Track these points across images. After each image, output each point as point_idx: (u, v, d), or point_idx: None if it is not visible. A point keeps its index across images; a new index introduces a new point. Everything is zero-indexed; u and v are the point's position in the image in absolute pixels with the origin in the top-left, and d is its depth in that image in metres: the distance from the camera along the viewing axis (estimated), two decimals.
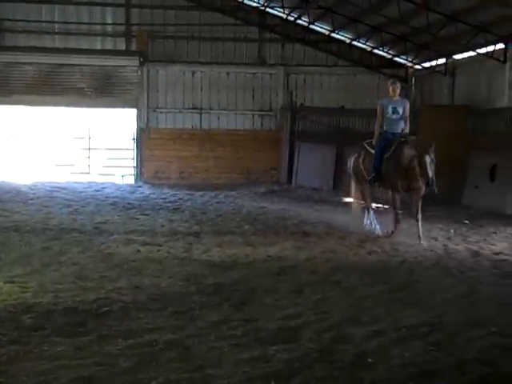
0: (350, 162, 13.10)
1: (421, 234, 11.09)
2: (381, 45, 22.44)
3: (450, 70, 20.67)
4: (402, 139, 11.61)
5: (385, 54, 23.38)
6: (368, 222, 12.47)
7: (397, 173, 11.36)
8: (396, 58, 23.49)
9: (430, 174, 10.86)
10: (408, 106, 11.97)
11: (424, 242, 10.95)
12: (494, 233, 12.32)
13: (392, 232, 11.61)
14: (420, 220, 11.19)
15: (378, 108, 12.04)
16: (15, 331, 6.00)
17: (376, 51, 23.31)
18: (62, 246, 10.27)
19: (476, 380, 5.03)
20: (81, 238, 11.07)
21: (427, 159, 10.87)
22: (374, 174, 11.83)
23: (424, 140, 11.57)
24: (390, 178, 11.59)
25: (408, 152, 11.21)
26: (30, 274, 8.28)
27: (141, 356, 5.42)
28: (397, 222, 11.63)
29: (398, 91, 11.96)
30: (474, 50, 18.62)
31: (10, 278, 7.98)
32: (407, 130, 11.89)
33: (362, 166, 12.49)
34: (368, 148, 12.29)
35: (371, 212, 12.61)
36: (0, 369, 5.13)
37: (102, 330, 6.09)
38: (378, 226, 12.22)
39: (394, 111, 11.79)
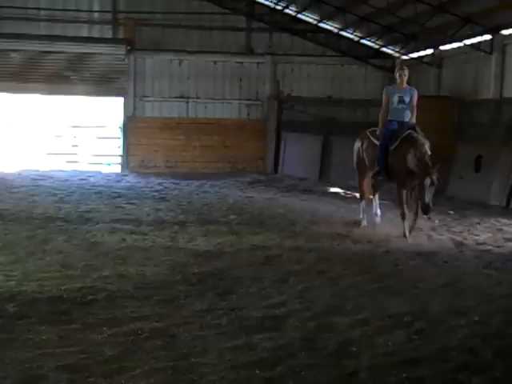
0: (354, 148, 12.24)
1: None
2: (368, 35, 22.47)
3: (437, 60, 20.73)
4: (409, 131, 10.62)
5: (372, 45, 23.41)
6: (373, 213, 11.65)
7: (403, 166, 10.42)
8: (383, 49, 23.53)
9: (427, 199, 9.79)
10: (416, 95, 11.03)
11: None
12: (478, 223, 12.42)
13: (405, 236, 10.46)
14: (418, 218, 10.63)
15: (383, 96, 11.20)
16: None
17: (364, 41, 23.33)
18: (47, 235, 10.23)
19: (458, 368, 5.09)
20: (66, 227, 11.04)
21: (426, 182, 9.80)
22: (378, 168, 11.07)
23: (426, 153, 10.15)
24: (394, 171, 10.78)
25: (412, 155, 10.24)
26: (14, 263, 8.25)
27: (126, 344, 5.43)
28: (404, 219, 10.53)
29: (405, 79, 11.04)
30: (460, 41, 18.69)
31: None
32: (414, 121, 10.99)
33: (364, 156, 11.78)
34: (371, 138, 11.50)
35: (374, 205, 11.78)
36: None
37: (87, 318, 6.09)
38: (378, 219, 11.59)
39: (400, 100, 10.95)
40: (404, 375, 4.93)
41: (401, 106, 10.96)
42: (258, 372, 4.94)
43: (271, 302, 6.77)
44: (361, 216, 11.83)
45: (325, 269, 8.39)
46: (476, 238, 10.95)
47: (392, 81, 23.42)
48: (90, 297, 6.76)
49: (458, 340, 5.72)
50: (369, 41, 23.15)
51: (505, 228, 11.98)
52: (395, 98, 10.95)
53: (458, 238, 10.78)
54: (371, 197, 11.97)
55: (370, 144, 11.53)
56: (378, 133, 11.28)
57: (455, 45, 19.51)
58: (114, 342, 5.47)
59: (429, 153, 10.21)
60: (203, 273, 7.97)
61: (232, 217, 12.69)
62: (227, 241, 10.14)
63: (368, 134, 11.72)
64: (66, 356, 5.15)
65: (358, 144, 12.11)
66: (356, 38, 23.30)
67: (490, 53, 17.81)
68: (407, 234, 10.46)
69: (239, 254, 9.18)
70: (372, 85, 23.78)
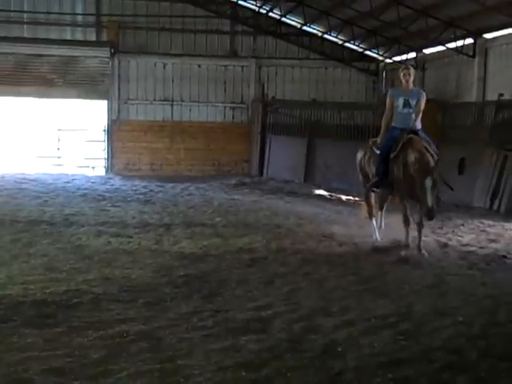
0: (357, 160, 11.07)
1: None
2: (352, 38, 22.58)
3: (420, 64, 20.88)
4: (410, 135, 9.54)
5: (356, 48, 23.53)
6: (374, 229, 10.57)
7: (403, 177, 9.39)
8: (367, 52, 23.66)
9: (430, 202, 8.80)
10: (424, 98, 9.81)
11: (425, 252, 9.41)
12: (462, 225, 12.51)
13: (407, 245, 9.50)
14: (422, 229, 9.54)
15: (387, 100, 10.01)
16: None
17: (347, 45, 23.46)
18: (32, 238, 10.17)
19: (443, 368, 5.13)
20: (50, 230, 10.98)
21: (427, 183, 8.85)
22: (377, 178, 9.97)
23: (425, 153, 9.19)
24: (395, 181, 9.67)
25: (412, 156, 9.21)
26: None
27: (111, 347, 5.42)
28: (408, 226, 9.53)
29: (411, 80, 9.81)
30: (443, 44, 18.85)
31: None
32: (418, 126, 9.83)
33: (367, 168, 10.64)
34: (374, 148, 10.31)
35: (377, 219, 10.75)
36: None
37: (72, 321, 6.07)
38: (377, 234, 10.48)
39: (406, 104, 9.74)
40: (389, 375, 4.96)
41: (406, 110, 9.76)
42: (244, 374, 4.95)
43: (257, 304, 6.78)
44: (374, 238, 10.43)
45: (310, 271, 8.41)
46: (460, 239, 11.03)
47: (376, 83, 23.97)
48: (75, 300, 6.72)
49: (442, 340, 5.76)
50: (353, 44, 23.28)
51: (488, 229, 12.08)
52: (400, 102, 9.77)
53: (443, 240, 10.85)
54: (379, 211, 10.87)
55: (373, 155, 10.38)
56: (378, 141, 10.18)
57: (438, 48, 19.68)
58: (99, 345, 5.44)
59: (432, 153, 9.35)
60: (189, 275, 7.96)
61: (217, 219, 12.69)
62: (213, 243, 10.14)
63: (371, 144, 10.57)
64: (51, 359, 5.12)
65: (360, 155, 10.98)
66: (340, 42, 23.42)
67: (473, 56, 17.97)
68: (409, 242, 9.49)
69: (225, 257, 9.18)
70: (356, 88, 23.95)
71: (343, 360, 5.26)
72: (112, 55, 22.41)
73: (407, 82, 9.81)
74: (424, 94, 9.98)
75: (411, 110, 9.72)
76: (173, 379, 4.82)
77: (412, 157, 9.20)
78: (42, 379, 4.76)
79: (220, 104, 23.54)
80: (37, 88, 21.78)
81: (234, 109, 23.65)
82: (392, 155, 9.65)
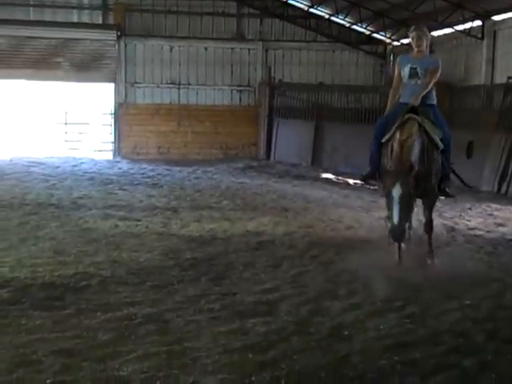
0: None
1: (430, 253, 7.87)
2: (359, 21, 22.43)
3: (428, 46, 20.68)
4: (409, 115, 7.43)
5: (364, 31, 23.37)
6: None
7: (388, 170, 7.39)
8: (375, 35, 23.50)
9: (396, 219, 6.91)
10: (437, 67, 7.76)
11: (436, 259, 7.86)
12: (469, 209, 12.49)
13: (399, 258, 7.76)
14: (430, 233, 8.01)
15: (395, 68, 8.05)
16: None
17: (355, 27, 23.30)
18: (40, 221, 10.22)
19: (449, 350, 5.14)
20: (58, 213, 11.02)
21: (394, 193, 6.95)
22: (369, 168, 8.02)
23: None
24: (382, 175, 7.74)
25: (395, 145, 7.27)
26: (7, 249, 8.23)
27: (120, 329, 5.45)
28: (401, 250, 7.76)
29: (424, 44, 7.86)
30: (451, 26, 18.69)
31: None
32: (430, 102, 7.78)
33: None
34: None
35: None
36: None
37: (81, 303, 6.10)
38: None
39: (413, 74, 7.69)
40: (396, 358, 4.97)
41: (413, 81, 7.71)
42: (251, 356, 4.97)
43: (264, 287, 6.80)
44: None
45: (317, 254, 8.42)
46: (467, 223, 11.01)
47: (383, 66, 23.83)
48: (84, 282, 6.76)
49: (449, 323, 5.77)
50: (360, 26, 23.12)
51: (496, 213, 12.06)
52: (406, 71, 7.74)
53: (450, 223, 10.83)
54: None
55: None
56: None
57: (446, 30, 19.52)
58: (107, 327, 5.48)
59: (427, 142, 7.41)
60: (196, 258, 7.99)
61: (224, 202, 12.70)
62: (220, 226, 10.15)
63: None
64: (60, 341, 5.17)
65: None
66: (347, 24, 23.26)
67: (481, 38, 17.84)
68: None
69: (232, 240, 9.20)
70: (364, 71, 23.82)
71: (349, 343, 5.28)
72: (118, 38, 22.34)
73: (419, 47, 7.83)
74: (439, 61, 7.85)
75: (419, 82, 7.67)
76: (180, 361, 4.86)
77: (395, 146, 7.26)
78: (50, 360, 4.80)
79: (227, 87, 23.47)
80: (44, 72, 21.76)
81: (241, 92, 23.58)
82: (384, 139, 7.67)
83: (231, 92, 23.54)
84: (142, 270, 7.41)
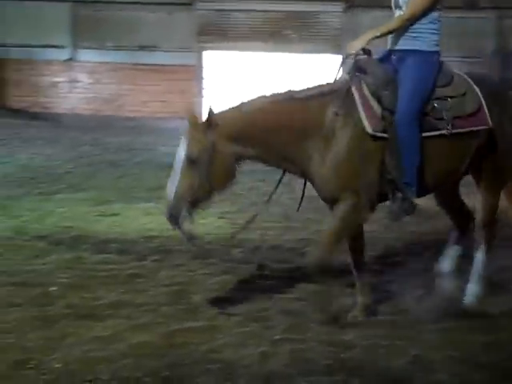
0: None
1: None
2: None
3: None
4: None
5: None
6: None
7: None
8: None
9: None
10: None
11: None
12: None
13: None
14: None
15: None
16: (227, 263, 6.52)
17: None
18: (267, 188, 10.53)
19: None
20: (287, 181, 11.22)
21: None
22: None
23: None
24: None
25: None
26: (238, 212, 8.67)
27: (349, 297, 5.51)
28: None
29: None
30: None
31: (221, 215, 8.47)
32: (422, 47, 5.49)
33: None
34: None
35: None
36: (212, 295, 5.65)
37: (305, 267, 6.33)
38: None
39: (396, 3, 5.49)
40: None
41: (397, 12, 5.47)
42: (476, 337, 4.86)
43: None
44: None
45: None
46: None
47: None
48: (309, 248, 7.00)
49: None
50: None
51: None
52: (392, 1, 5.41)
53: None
54: None
55: None
56: None
57: None
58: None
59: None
60: None
61: None
62: None
63: None
64: (285, 302, 5.53)
65: None
66: None
67: None
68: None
69: None
70: None
71: None
72: (345, 10, 22.40)
73: None
74: None
75: (402, 13, 5.32)
76: (404, 333, 4.86)
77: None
78: (279, 319, 5.13)
79: (455, 58, 22.51)
80: (273, 43, 22.58)
81: (470, 64, 22.50)
82: None
83: (460, 64, 22.53)
84: None
